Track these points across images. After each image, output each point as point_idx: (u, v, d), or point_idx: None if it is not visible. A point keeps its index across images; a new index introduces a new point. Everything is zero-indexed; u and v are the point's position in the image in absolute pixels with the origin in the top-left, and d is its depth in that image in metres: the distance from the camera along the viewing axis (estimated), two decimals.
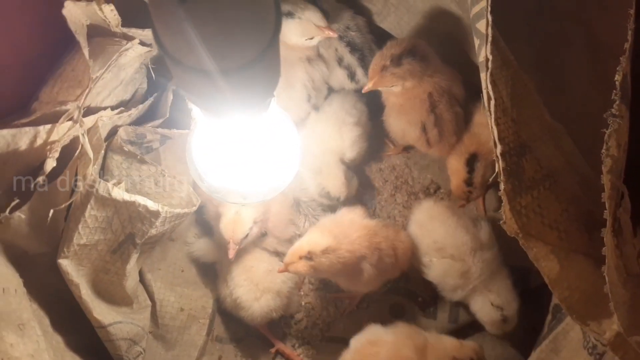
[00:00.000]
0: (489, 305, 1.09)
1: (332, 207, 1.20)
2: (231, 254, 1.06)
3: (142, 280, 1.13)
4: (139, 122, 1.08)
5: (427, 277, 1.13)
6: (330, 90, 1.25)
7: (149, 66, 1.06)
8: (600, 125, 0.73)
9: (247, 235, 1.07)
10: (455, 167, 1.15)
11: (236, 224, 1.05)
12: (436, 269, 1.10)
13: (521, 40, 0.91)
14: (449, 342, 1.04)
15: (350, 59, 1.19)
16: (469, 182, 1.13)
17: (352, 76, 1.20)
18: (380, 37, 1.20)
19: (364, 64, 1.18)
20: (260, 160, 0.88)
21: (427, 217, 1.12)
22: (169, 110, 1.07)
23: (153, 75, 1.07)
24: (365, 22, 1.20)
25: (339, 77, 1.21)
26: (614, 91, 0.72)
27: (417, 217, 1.13)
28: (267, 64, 0.60)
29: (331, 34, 1.10)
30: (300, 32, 1.11)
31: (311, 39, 1.12)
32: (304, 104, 1.18)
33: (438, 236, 1.09)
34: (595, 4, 0.90)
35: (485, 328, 1.12)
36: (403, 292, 1.22)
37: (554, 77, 0.95)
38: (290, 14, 1.10)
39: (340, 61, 1.19)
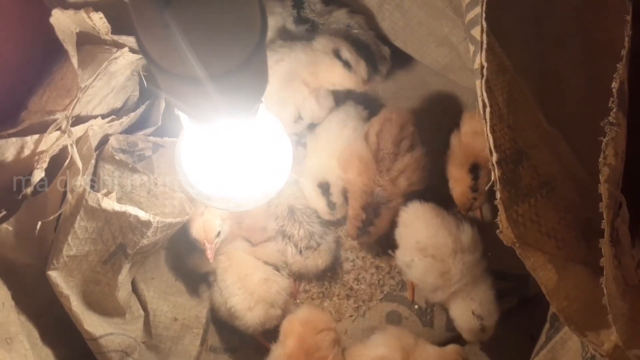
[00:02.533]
0: (470, 313, 1.08)
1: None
2: (209, 254, 1.07)
3: (135, 289, 1.12)
4: (131, 130, 1.07)
5: (408, 276, 1.14)
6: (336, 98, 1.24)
7: (141, 74, 1.05)
8: (597, 132, 0.72)
9: (219, 233, 1.08)
10: (459, 176, 1.14)
11: (205, 224, 1.07)
12: (417, 269, 1.10)
13: (517, 45, 0.90)
14: (432, 350, 1.05)
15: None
16: (474, 188, 1.13)
17: None
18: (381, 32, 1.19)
19: (372, 60, 1.18)
20: (251, 166, 0.87)
21: (413, 217, 1.12)
22: (161, 117, 1.06)
23: (145, 83, 1.06)
24: (364, 19, 1.19)
25: None
26: (611, 99, 0.71)
27: (403, 218, 1.13)
28: (254, 70, 0.59)
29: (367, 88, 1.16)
30: (343, 82, 1.14)
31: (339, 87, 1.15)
32: (290, 124, 1.16)
33: (421, 236, 1.09)
34: (593, 9, 0.89)
35: (462, 335, 1.11)
36: (399, 300, 1.20)
37: (550, 83, 0.94)
38: (347, 64, 1.12)
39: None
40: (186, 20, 0.48)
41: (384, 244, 1.22)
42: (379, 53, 1.18)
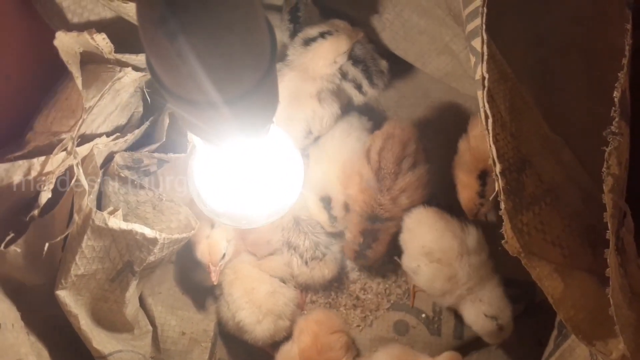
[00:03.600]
0: (483, 317, 1.07)
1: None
2: (213, 277, 1.08)
3: (142, 304, 1.12)
4: (135, 146, 1.07)
5: (415, 282, 1.13)
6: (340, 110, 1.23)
7: (144, 90, 1.06)
8: (600, 139, 0.72)
9: (224, 255, 1.09)
10: (467, 181, 1.13)
11: (210, 247, 1.08)
12: (424, 274, 1.09)
13: (518, 53, 0.90)
14: None
15: (354, 71, 1.18)
16: (481, 194, 1.11)
17: (359, 88, 1.19)
18: (381, 45, 1.19)
19: (368, 74, 1.18)
20: (263, 183, 0.87)
21: (416, 222, 1.11)
22: (165, 133, 1.06)
23: (149, 99, 1.06)
24: (363, 31, 1.19)
25: (347, 90, 1.21)
26: (613, 108, 0.71)
27: (406, 223, 1.12)
28: (267, 90, 0.59)
29: (361, 34, 1.14)
30: (336, 47, 1.12)
31: (339, 57, 1.13)
32: (300, 140, 1.17)
33: (426, 241, 1.09)
34: (594, 17, 0.89)
35: (483, 339, 1.11)
36: (406, 309, 1.20)
37: (552, 91, 0.94)
38: (328, 33, 1.12)
39: (345, 76, 1.18)
40: (197, 49, 0.49)
41: (390, 252, 1.22)
42: (375, 67, 1.18)
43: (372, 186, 1.10)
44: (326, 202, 1.16)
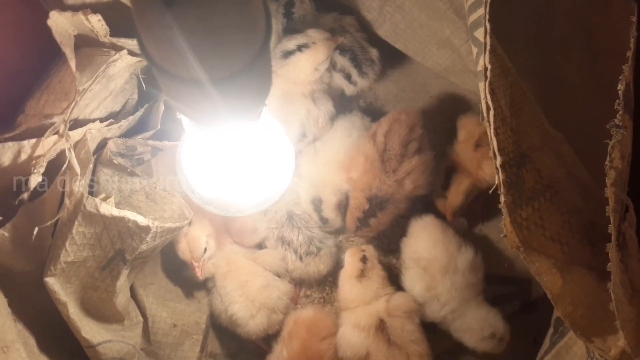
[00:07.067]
0: (485, 340, 1.07)
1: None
2: (197, 272, 1.08)
3: (133, 295, 1.11)
4: (129, 133, 1.05)
5: (403, 284, 1.13)
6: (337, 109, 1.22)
7: (140, 76, 1.04)
8: (601, 134, 0.71)
9: (205, 250, 1.08)
10: (470, 131, 1.13)
11: (190, 244, 1.08)
12: (409, 276, 1.11)
13: (520, 47, 0.90)
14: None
15: (342, 61, 1.17)
16: (478, 144, 1.11)
17: (348, 78, 1.18)
18: (373, 33, 1.18)
19: (357, 63, 1.17)
20: (253, 170, 0.86)
21: (419, 228, 1.13)
22: (160, 121, 1.04)
23: (144, 86, 1.05)
24: (354, 19, 1.18)
25: (337, 81, 1.19)
26: (617, 101, 0.70)
27: (411, 228, 1.14)
28: (258, 73, 0.58)
29: (340, 39, 1.14)
30: (314, 59, 1.10)
31: (320, 65, 1.12)
32: (295, 143, 1.15)
33: (419, 247, 1.10)
34: (598, 10, 0.88)
35: (469, 345, 1.10)
36: None
37: (553, 85, 0.93)
38: (305, 46, 1.10)
39: (334, 66, 1.17)
40: (189, 22, 0.47)
41: (385, 249, 1.21)
42: (364, 56, 1.17)
43: (377, 167, 1.09)
44: (316, 204, 1.15)
